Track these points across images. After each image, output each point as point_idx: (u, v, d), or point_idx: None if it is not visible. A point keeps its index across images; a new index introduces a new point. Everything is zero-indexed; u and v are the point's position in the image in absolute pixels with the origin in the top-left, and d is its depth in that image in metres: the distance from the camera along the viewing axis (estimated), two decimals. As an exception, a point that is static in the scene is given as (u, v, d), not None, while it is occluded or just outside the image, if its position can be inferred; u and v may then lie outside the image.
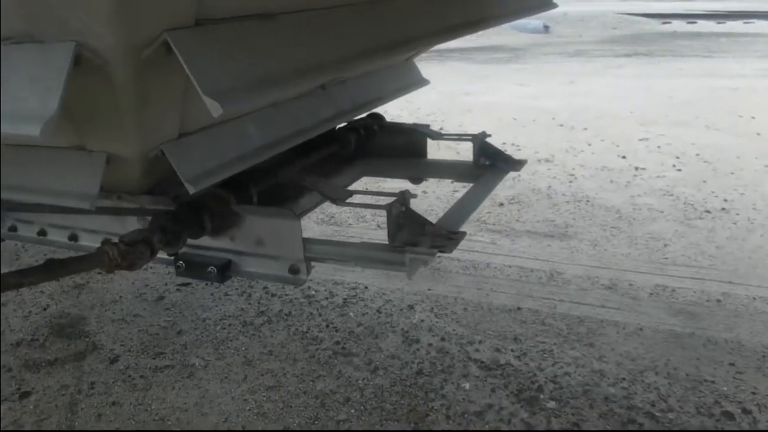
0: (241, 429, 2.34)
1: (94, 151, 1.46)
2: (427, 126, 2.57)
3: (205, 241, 1.81)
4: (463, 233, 1.74)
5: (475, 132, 2.40)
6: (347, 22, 1.65)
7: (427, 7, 2.06)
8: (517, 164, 2.42)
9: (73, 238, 2.06)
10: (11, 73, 1.09)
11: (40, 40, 1.08)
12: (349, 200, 1.85)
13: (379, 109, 2.55)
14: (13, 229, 2.17)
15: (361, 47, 1.68)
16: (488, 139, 2.42)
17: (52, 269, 1.40)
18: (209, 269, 1.80)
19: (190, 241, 1.77)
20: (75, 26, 1.01)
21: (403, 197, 1.70)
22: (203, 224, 1.72)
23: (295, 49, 1.40)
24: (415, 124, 2.58)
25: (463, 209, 2.04)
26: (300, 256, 1.72)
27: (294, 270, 1.75)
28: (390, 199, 1.69)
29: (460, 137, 2.45)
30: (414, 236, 1.69)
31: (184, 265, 1.84)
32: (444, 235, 1.71)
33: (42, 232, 2.13)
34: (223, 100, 1.06)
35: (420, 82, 2.79)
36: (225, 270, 1.82)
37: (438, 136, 2.50)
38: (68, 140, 1.45)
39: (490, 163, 2.41)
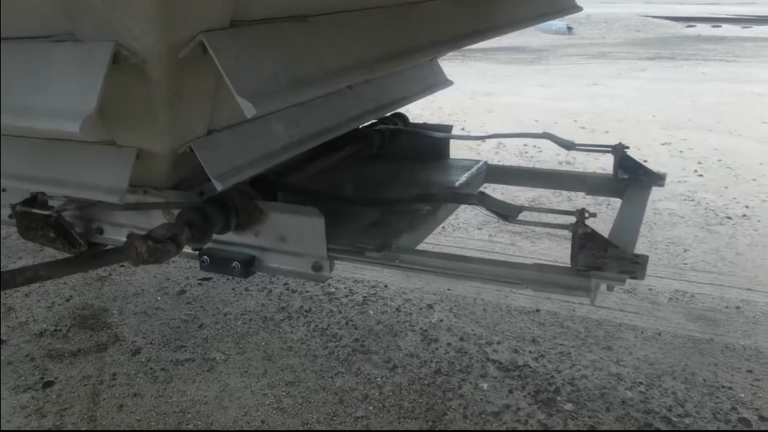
0: (240, 429, 2.37)
1: (124, 146, 1.50)
2: (451, 126, 2.59)
3: (229, 236, 1.83)
4: (646, 256, 1.56)
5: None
6: (376, 24, 1.67)
7: (454, 9, 2.07)
8: (658, 178, 2.25)
9: (99, 231, 2.09)
10: (52, 70, 1.12)
11: (79, 39, 1.11)
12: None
13: (401, 108, 2.56)
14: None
15: (390, 49, 1.70)
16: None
17: (83, 262, 1.43)
18: (233, 264, 1.82)
19: (214, 236, 1.80)
20: (115, 26, 1.04)
21: (582, 216, 1.61)
22: (229, 220, 1.74)
23: (326, 51, 1.43)
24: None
25: (627, 229, 1.86)
26: (323, 253, 1.74)
27: (317, 267, 1.77)
28: (565, 217, 1.63)
29: (598, 148, 2.32)
30: (595, 258, 1.56)
31: (208, 259, 1.86)
32: (628, 258, 1.55)
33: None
34: (256, 101, 1.08)
35: (444, 82, 2.81)
36: (249, 265, 1.84)
37: (571, 146, 2.36)
38: (99, 135, 1.48)
39: (629, 176, 2.26)
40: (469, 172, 2.44)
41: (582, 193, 2.59)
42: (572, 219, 1.62)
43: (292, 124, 1.82)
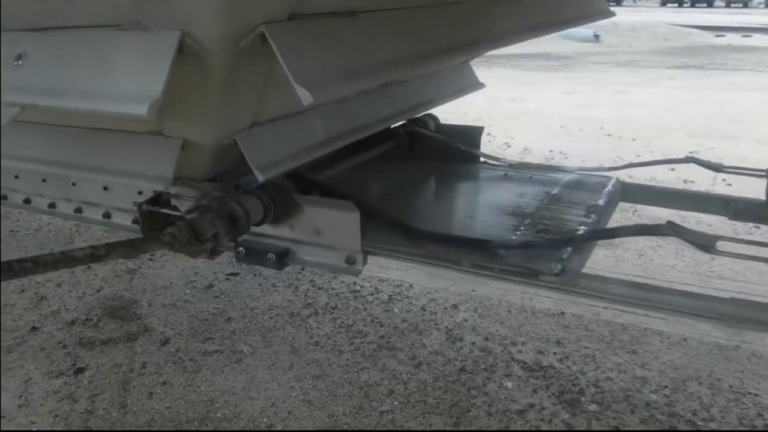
0: (241, 429, 2.41)
1: (171, 136, 1.54)
2: (482, 128, 2.60)
3: (264, 228, 1.86)
4: None
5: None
6: (419, 22, 1.71)
7: (493, 9, 2.11)
8: None
9: (107, 216, 2.12)
10: (119, 57, 1.17)
11: (146, 28, 1.16)
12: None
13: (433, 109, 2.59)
14: (28, 201, 2.25)
15: (431, 46, 1.73)
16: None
17: (134, 246, 1.47)
18: (268, 256, 1.85)
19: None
20: (182, 16, 1.09)
21: None
22: (267, 213, 1.78)
23: (373, 45, 1.47)
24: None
25: None
26: (357, 247, 1.77)
27: (350, 261, 1.79)
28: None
29: (749, 171, 2.16)
30: None
31: (244, 251, 1.89)
32: None
33: (52, 205, 2.21)
34: (313, 90, 1.12)
35: (475, 85, 2.84)
36: (283, 257, 1.86)
37: (720, 168, 2.21)
38: (146, 125, 1.53)
39: None
40: (606, 190, 2.28)
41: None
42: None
43: (330, 120, 1.86)
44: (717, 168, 2.20)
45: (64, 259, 1.52)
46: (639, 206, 4.28)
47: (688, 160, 2.27)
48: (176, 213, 1.79)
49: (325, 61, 1.27)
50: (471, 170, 2.49)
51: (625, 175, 2.42)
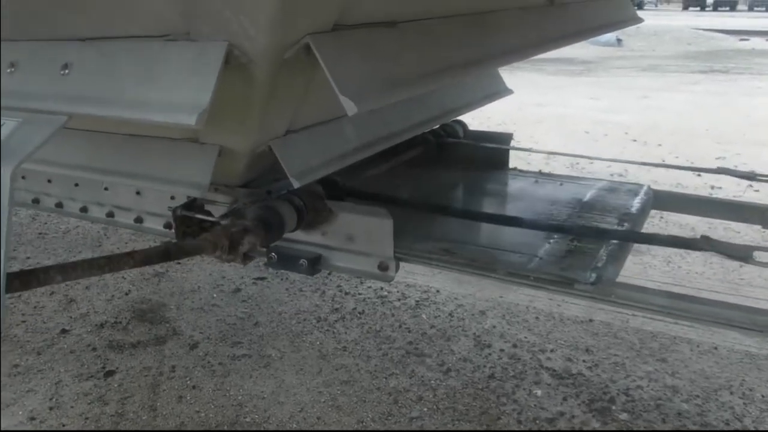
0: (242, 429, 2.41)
1: (207, 143, 1.55)
2: (511, 135, 2.60)
3: (297, 234, 1.87)
4: None
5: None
6: (456, 31, 1.71)
7: (524, 19, 2.11)
8: None
9: (139, 220, 2.14)
10: (166, 68, 1.19)
11: (193, 39, 1.17)
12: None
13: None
14: (60, 205, 2.27)
15: (467, 55, 1.74)
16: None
17: (170, 252, 1.48)
18: (301, 262, 1.85)
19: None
20: (231, 27, 1.10)
21: None
22: (300, 219, 1.78)
23: (413, 55, 1.48)
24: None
25: None
26: (390, 253, 1.77)
27: (383, 267, 1.80)
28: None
29: None
30: None
31: (276, 257, 1.89)
32: None
33: (84, 209, 2.23)
34: (358, 100, 1.13)
35: (504, 91, 2.84)
36: (315, 263, 1.86)
37: (753, 177, 2.23)
38: (184, 132, 1.54)
39: None
40: (638, 197, 2.28)
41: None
42: None
43: (362, 128, 1.86)
44: (750, 176, 2.20)
45: (104, 264, 1.54)
46: (665, 213, 4.27)
47: (720, 171, 2.27)
48: (211, 218, 1.80)
49: (367, 71, 1.27)
50: (501, 177, 2.49)
51: (651, 180, 2.41)
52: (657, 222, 4.24)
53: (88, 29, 1.33)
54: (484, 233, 1.99)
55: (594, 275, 1.64)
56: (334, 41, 1.21)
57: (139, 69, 1.23)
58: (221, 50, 1.12)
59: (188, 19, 1.15)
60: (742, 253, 1.65)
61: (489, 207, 2.29)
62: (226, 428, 2.39)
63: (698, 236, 1.70)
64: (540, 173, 2.53)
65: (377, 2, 1.36)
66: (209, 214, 1.84)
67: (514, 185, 2.44)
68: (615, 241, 1.87)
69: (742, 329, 1.49)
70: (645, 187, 2.36)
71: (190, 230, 1.88)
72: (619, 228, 2.03)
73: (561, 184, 2.41)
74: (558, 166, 5.44)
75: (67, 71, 1.32)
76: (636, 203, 2.22)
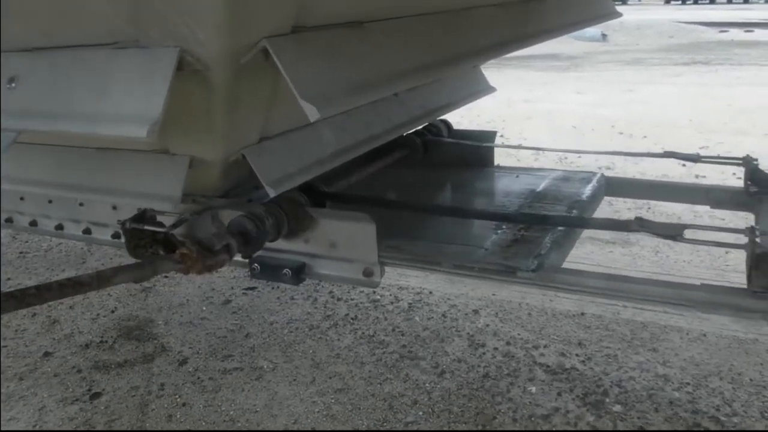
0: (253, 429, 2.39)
1: (177, 154, 1.52)
2: (495, 133, 2.59)
3: (279, 243, 1.84)
4: None
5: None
6: (427, 30, 1.69)
7: (500, 16, 2.09)
8: None
9: (117, 236, 2.10)
10: (116, 77, 1.15)
11: (143, 45, 1.13)
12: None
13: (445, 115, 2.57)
14: (34, 223, 2.21)
15: (440, 54, 1.72)
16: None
17: (142, 268, 1.45)
18: (284, 271, 1.81)
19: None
20: (181, 33, 1.06)
21: (753, 233, 1.54)
22: (280, 227, 1.75)
23: (381, 56, 1.45)
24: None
25: None
26: (374, 259, 1.74)
27: (368, 273, 1.76)
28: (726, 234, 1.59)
29: (725, 160, 2.21)
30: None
31: (259, 267, 1.86)
32: None
33: (59, 227, 2.17)
34: (320, 105, 1.10)
35: (487, 89, 2.83)
36: (299, 272, 1.83)
37: (697, 159, 2.26)
38: (153, 144, 1.51)
39: (759, 190, 2.09)
40: (591, 185, 2.34)
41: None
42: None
43: (341, 131, 1.84)
44: (695, 158, 2.26)
45: (71, 285, 1.50)
46: (653, 204, 4.28)
47: (666, 155, 2.32)
48: (161, 229, 1.75)
49: (331, 74, 1.24)
50: (468, 174, 2.53)
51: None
52: (644, 212, 4.23)
53: (34, 39, 1.29)
54: (435, 228, 2.00)
55: (536, 262, 1.68)
56: (293, 44, 1.17)
57: (88, 79, 1.19)
58: (172, 56, 1.09)
59: (136, 24, 1.12)
60: (673, 232, 1.67)
61: (444, 201, 2.34)
62: (225, 428, 2.36)
63: (632, 218, 1.73)
64: (499, 167, 2.58)
65: (340, 2, 1.33)
66: (161, 225, 1.77)
67: (477, 180, 2.48)
68: (561, 229, 1.92)
69: (675, 305, 1.55)
70: (598, 175, 2.43)
71: (143, 243, 1.84)
72: (566, 215, 2.09)
73: (517, 176, 2.46)
74: (547, 161, 5.44)
75: (13, 84, 1.28)
76: (587, 191, 2.29)
